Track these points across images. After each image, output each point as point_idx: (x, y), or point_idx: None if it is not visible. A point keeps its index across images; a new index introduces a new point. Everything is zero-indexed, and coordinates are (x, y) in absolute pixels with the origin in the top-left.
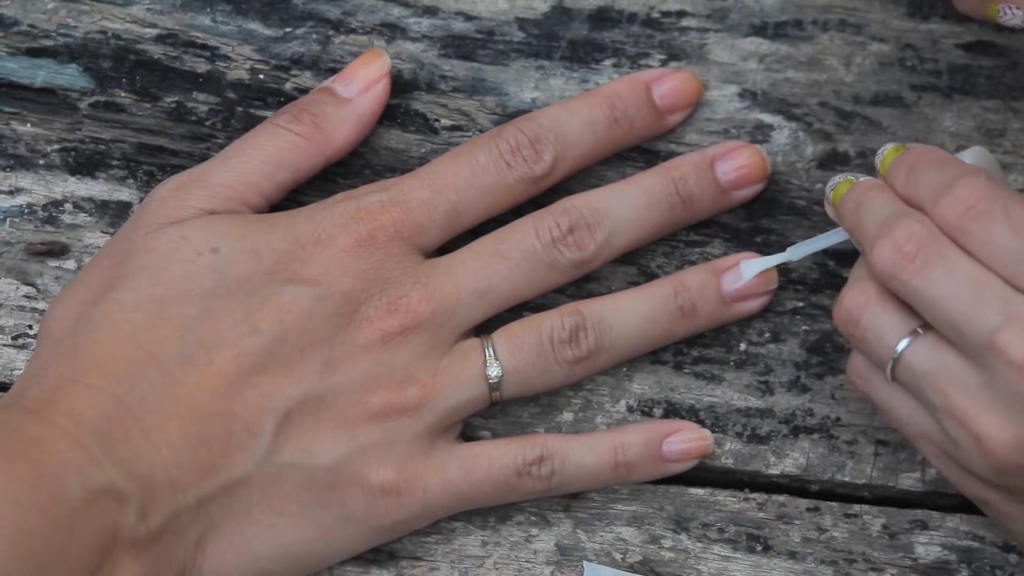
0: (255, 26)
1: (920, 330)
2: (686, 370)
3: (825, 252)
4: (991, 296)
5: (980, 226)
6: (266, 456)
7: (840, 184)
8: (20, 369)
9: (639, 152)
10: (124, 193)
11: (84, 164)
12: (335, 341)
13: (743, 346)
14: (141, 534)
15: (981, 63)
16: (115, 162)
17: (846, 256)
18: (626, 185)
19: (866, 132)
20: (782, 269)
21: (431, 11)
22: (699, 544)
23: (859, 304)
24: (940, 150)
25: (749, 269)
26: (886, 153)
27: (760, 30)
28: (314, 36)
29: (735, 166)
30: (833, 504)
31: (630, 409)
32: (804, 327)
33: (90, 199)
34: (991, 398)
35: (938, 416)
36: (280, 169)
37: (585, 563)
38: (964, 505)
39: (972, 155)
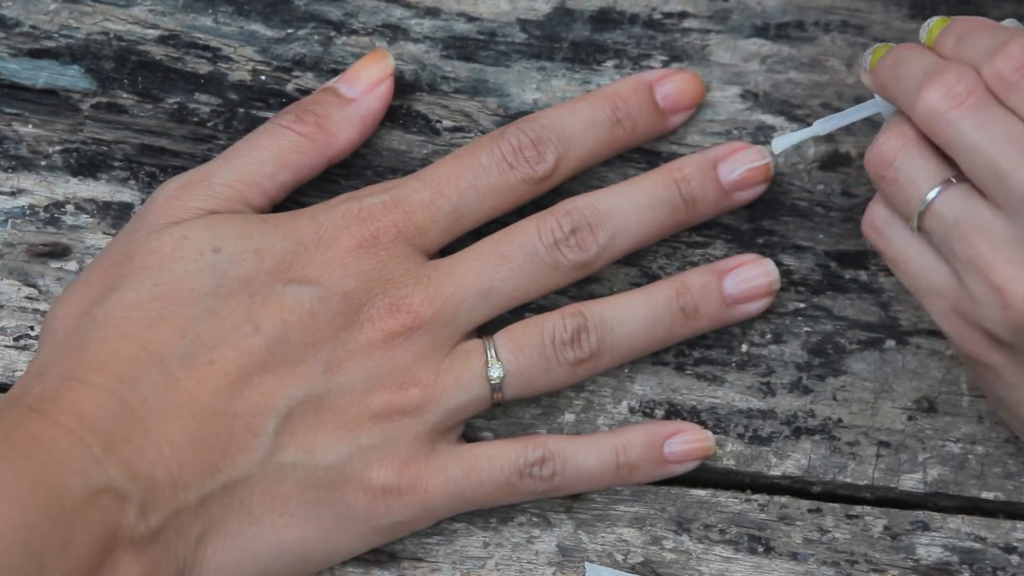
0: (257, 27)
1: (954, 180)
2: (688, 371)
3: (827, 254)
4: None
5: None
6: (267, 456)
7: (879, 48)
8: (22, 370)
9: (641, 153)
10: (126, 194)
11: (86, 165)
12: (337, 341)
13: (745, 347)
14: (141, 533)
15: None
16: (117, 163)
17: (847, 257)
18: (628, 186)
19: (868, 133)
20: (783, 271)
21: (433, 12)
22: (701, 545)
23: (895, 146)
24: (989, 19)
25: (779, 144)
26: (932, 25)
27: (762, 31)
28: (316, 37)
29: (737, 167)
30: (835, 505)
31: (632, 410)
32: (806, 328)
33: (92, 200)
34: (1019, 252)
35: (959, 268)
36: (282, 169)
37: (587, 564)
38: (966, 506)
39: (1010, 25)
